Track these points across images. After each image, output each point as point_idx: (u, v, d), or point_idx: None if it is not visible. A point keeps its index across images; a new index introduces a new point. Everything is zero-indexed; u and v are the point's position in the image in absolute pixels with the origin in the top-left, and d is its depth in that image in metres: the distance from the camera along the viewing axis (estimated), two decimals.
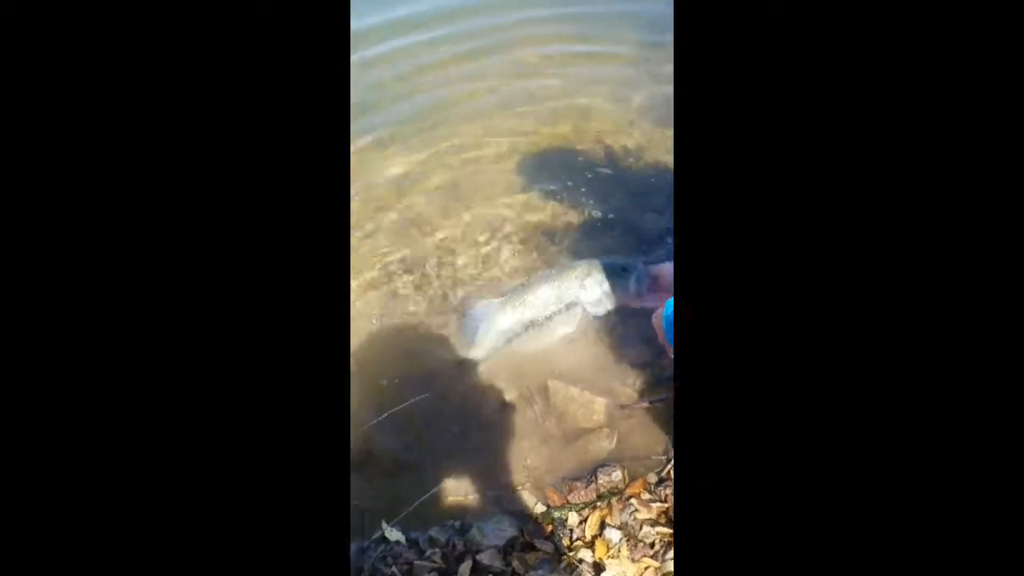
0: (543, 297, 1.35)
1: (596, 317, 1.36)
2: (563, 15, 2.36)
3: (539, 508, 1.14)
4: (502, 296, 1.39)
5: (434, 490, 1.17)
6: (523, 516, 1.13)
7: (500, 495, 1.17)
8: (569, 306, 1.36)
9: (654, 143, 1.83)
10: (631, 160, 1.79)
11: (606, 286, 1.34)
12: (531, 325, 1.36)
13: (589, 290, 1.34)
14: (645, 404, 1.24)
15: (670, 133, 1.85)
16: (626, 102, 1.99)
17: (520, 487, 1.18)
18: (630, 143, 1.85)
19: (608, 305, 1.35)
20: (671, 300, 1.03)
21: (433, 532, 1.13)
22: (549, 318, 1.36)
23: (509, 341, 1.35)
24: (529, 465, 1.20)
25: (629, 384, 1.29)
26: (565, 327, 1.36)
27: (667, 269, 1.29)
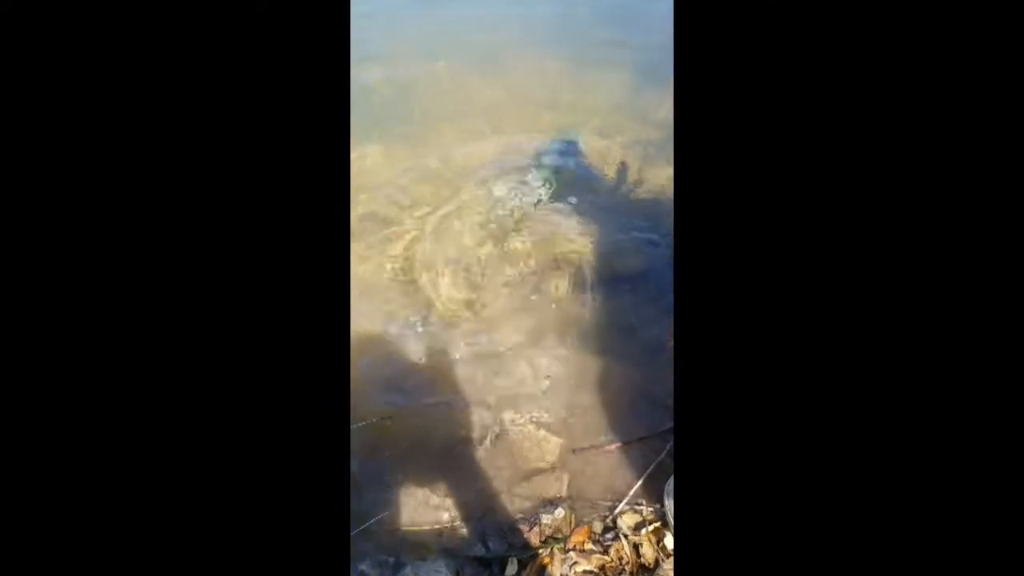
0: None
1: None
2: None
3: (478, 551, 1.08)
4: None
5: (371, 521, 1.11)
6: (461, 558, 1.07)
7: (440, 533, 1.11)
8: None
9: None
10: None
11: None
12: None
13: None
14: (602, 448, 1.19)
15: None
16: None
17: (462, 526, 1.12)
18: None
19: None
20: None
21: (365, 567, 1.06)
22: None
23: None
24: (473, 502, 1.14)
25: (589, 426, 1.24)
26: None
27: None
